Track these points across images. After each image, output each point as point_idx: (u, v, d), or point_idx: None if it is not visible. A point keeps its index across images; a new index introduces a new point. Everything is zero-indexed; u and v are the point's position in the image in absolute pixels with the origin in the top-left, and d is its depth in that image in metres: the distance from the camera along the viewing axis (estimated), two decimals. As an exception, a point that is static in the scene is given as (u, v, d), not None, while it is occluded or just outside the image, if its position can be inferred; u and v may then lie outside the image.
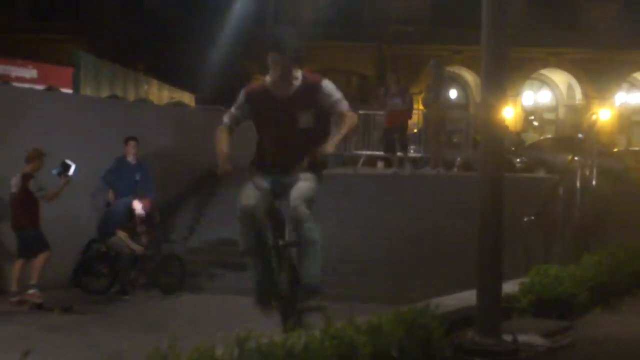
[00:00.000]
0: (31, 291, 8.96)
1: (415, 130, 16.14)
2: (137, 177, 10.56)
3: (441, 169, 13.38)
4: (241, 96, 4.98)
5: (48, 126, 10.47)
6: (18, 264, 9.19)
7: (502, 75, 5.00)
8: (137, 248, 9.69)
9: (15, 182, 9.26)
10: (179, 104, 22.80)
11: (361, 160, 15.23)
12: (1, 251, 9.96)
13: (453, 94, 26.54)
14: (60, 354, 6.47)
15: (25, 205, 9.26)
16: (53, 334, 7.35)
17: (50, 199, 9.35)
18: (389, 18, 29.04)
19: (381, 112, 14.09)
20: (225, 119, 5.06)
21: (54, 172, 9.35)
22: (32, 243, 9.22)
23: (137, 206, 9.86)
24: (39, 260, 9.08)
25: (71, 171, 9.29)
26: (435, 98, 13.28)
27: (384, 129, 13.88)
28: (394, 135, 13.41)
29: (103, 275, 9.90)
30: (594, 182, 11.08)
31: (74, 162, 9.32)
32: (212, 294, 9.58)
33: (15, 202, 9.37)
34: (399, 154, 13.65)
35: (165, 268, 10.14)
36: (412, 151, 15.03)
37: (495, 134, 4.94)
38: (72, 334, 7.41)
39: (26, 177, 9.24)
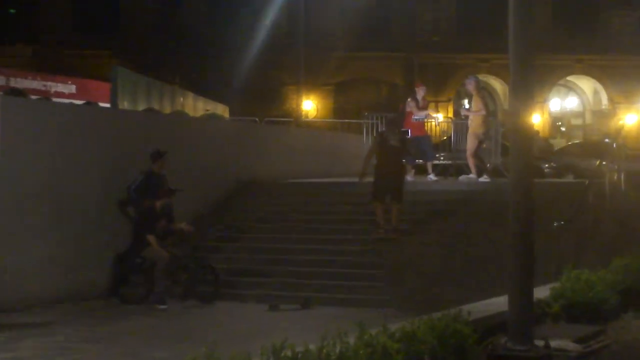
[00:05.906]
0: None
1: (445, 138, 16.36)
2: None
3: (473, 175, 12.62)
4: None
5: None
6: None
7: (530, 83, 5.09)
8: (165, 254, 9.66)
9: None
10: (214, 116, 22.97)
11: None
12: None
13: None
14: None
15: None
16: (90, 344, 7.45)
17: None
18: (417, 28, 30.42)
19: None
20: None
21: None
22: None
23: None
24: None
25: None
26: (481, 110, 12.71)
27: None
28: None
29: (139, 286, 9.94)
30: (622, 186, 11.19)
31: None
32: (245, 302, 9.54)
33: None
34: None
35: (200, 277, 10.15)
36: (442, 159, 15.04)
37: (525, 141, 5.03)
38: (109, 344, 7.49)
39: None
